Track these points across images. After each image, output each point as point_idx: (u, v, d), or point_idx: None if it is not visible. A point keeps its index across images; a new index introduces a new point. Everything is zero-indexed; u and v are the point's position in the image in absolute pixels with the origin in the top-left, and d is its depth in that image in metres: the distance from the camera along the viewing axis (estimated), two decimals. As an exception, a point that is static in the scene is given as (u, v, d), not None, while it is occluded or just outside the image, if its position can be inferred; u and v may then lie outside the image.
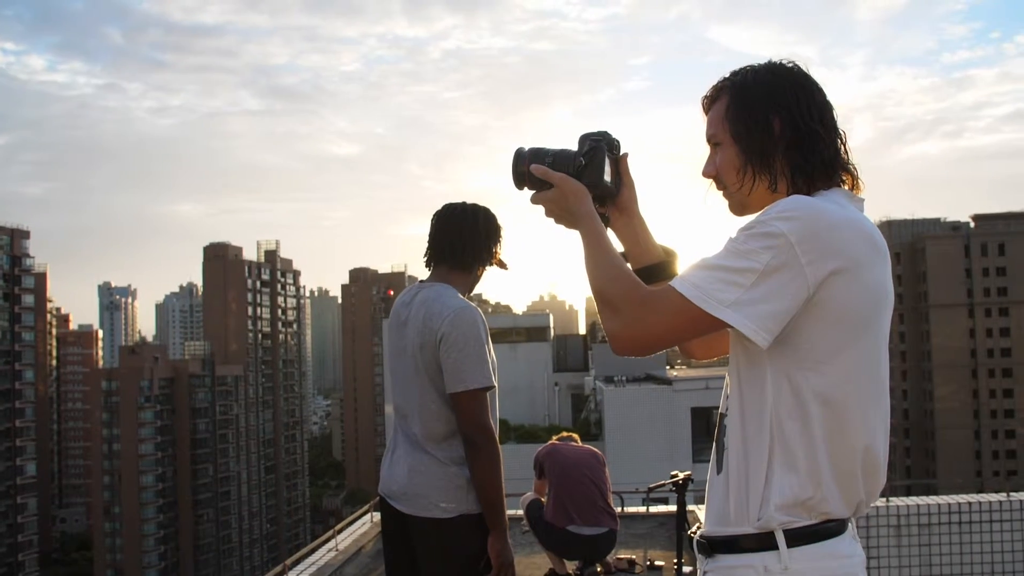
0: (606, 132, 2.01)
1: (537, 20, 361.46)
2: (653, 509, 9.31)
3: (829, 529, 1.75)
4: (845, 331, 1.72)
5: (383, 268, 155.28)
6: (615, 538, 6.36)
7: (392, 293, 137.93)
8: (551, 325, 53.32)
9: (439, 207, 3.56)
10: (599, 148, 1.97)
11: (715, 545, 1.79)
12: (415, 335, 3.31)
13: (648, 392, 35.24)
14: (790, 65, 1.88)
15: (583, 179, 1.94)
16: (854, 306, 1.72)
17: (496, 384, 3.29)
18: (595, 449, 6.60)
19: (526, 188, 2.00)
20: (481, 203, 3.56)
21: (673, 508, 9.58)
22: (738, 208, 1.91)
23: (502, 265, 3.58)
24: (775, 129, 1.82)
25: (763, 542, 1.73)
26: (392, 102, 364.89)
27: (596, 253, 1.86)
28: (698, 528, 1.88)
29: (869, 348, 1.76)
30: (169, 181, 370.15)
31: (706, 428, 34.36)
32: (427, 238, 3.54)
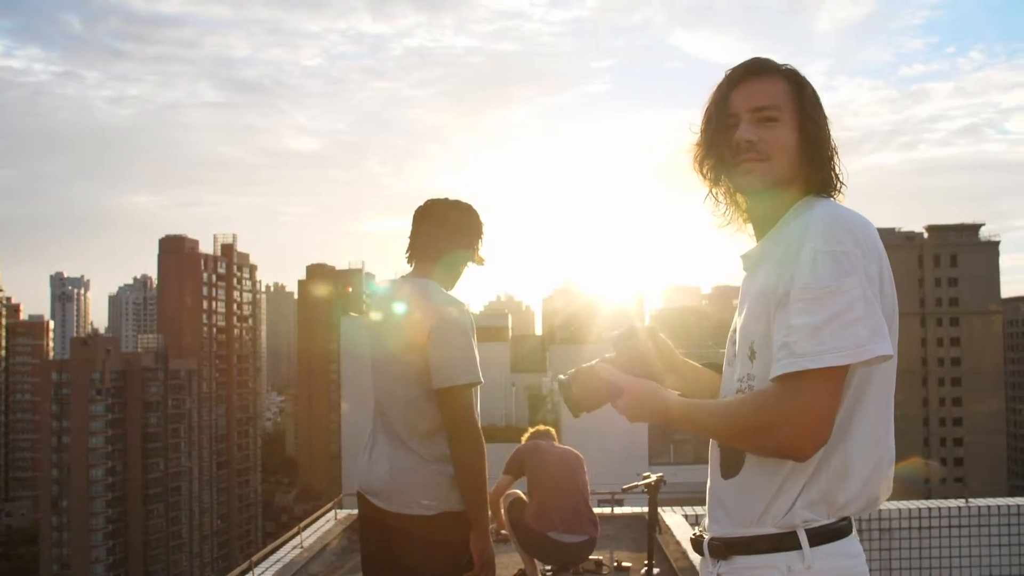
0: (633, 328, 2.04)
1: (501, 20, 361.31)
2: (618, 510, 9.32)
3: (843, 528, 1.79)
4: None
5: (341, 265, 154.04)
6: (595, 545, 6.29)
7: (351, 290, 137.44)
8: (509, 325, 53.33)
9: (421, 203, 3.53)
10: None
11: (732, 546, 1.81)
12: (400, 330, 3.27)
13: (606, 393, 35.36)
14: None
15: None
16: (890, 304, 1.80)
17: (483, 380, 3.26)
18: (575, 451, 6.45)
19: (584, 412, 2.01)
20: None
21: (636, 509, 9.61)
22: (759, 182, 1.91)
23: (479, 261, 3.55)
24: (829, 133, 1.92)
25: (784, 542, 1.76)
26: (353, 98, 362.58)
27: (703, 423, 1.84)
28: (701, 531, 1.89)
29: (895, 344, 1.83)
30: (126, 172, 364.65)
31: (662, 431, 34.57)
32: (408, 233, 3.51)
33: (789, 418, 1.67)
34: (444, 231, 3.43)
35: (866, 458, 1.78)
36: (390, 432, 3.32)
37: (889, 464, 1.85)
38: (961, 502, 9.71)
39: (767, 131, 1.89)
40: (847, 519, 1.80)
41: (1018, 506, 10.06)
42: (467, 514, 3.19)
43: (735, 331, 1.96)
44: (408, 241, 3.51)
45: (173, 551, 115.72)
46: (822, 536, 1.76)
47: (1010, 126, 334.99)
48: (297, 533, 7.52)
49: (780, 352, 1.71)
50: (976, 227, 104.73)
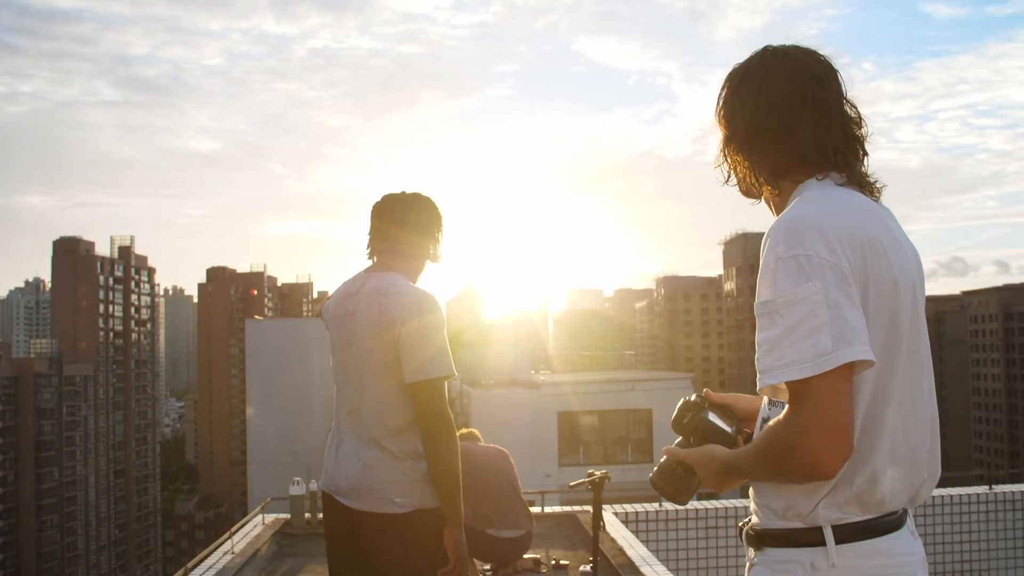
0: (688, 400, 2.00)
1: (405, 23, 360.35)
2: (548, 509, 9.33)
3: (885, 524, 1.70)
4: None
5: (242, 267, 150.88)
6: (531, 539, 6.31)
7: (255, 293, 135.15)
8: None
9: (379, 198, 3.47)
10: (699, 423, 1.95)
11: (764, 538, 1.77)
12: (368, 325, 3.20)
13: (515, 395, 35.46)
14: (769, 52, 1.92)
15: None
16: (888, 292, 1.70)
17: (456, 373, 3.20)
18: (501, 448, 6.52)
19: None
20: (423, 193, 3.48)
21: (565, 508, 9.63)
22: (756, 199, 1.94)
23: (435, 258, 3.50)
24: (726, 127, 1.89)
25: (812, 538, 1.68)
26: (255, 99, 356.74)
27: (746, 469, 1.76)
28: (748, 520, 1.87)
29: (908, 333, 1.76)
30: (17, 171, 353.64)
31: (571, 431, 34.77)
32: (368, 228, 3.43)
33: (802, 439, 1.56)
34: (406, 225, 3.37)
35: (898, 455, 1.69)
36: (359, 430, 3.24)
37: (928, 454, 1.76)
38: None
39: None
40: (892, 514, 1.71)
41: (941, 497, 10.43)
42: (441, 510, 3.14)
43: None
44: (369, 235, 3.44)
45: (69, 563, 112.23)
46: (855, 533, 1.67)
47: (900, 135, 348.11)
48: (228, 538, 7.36)
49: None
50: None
